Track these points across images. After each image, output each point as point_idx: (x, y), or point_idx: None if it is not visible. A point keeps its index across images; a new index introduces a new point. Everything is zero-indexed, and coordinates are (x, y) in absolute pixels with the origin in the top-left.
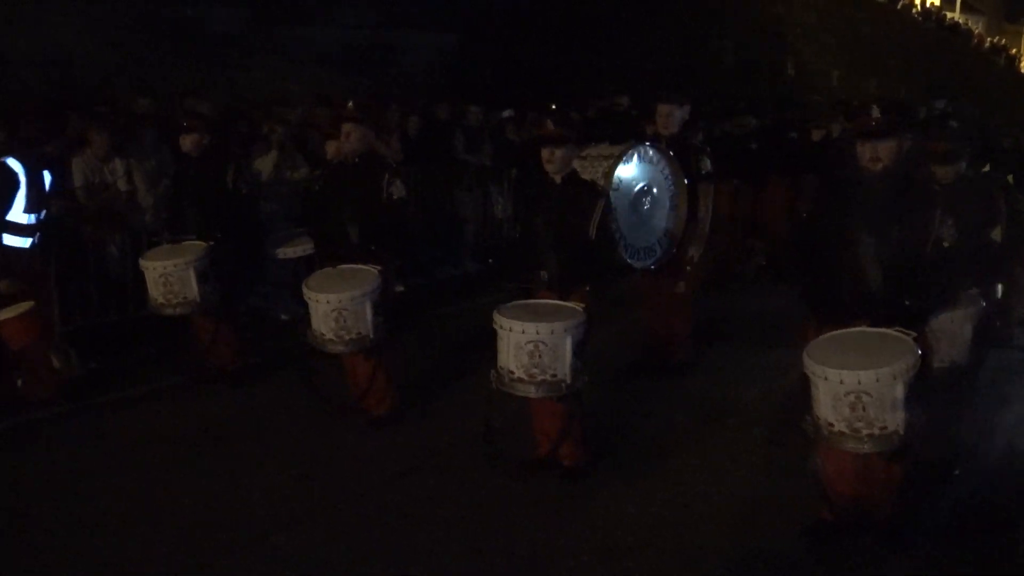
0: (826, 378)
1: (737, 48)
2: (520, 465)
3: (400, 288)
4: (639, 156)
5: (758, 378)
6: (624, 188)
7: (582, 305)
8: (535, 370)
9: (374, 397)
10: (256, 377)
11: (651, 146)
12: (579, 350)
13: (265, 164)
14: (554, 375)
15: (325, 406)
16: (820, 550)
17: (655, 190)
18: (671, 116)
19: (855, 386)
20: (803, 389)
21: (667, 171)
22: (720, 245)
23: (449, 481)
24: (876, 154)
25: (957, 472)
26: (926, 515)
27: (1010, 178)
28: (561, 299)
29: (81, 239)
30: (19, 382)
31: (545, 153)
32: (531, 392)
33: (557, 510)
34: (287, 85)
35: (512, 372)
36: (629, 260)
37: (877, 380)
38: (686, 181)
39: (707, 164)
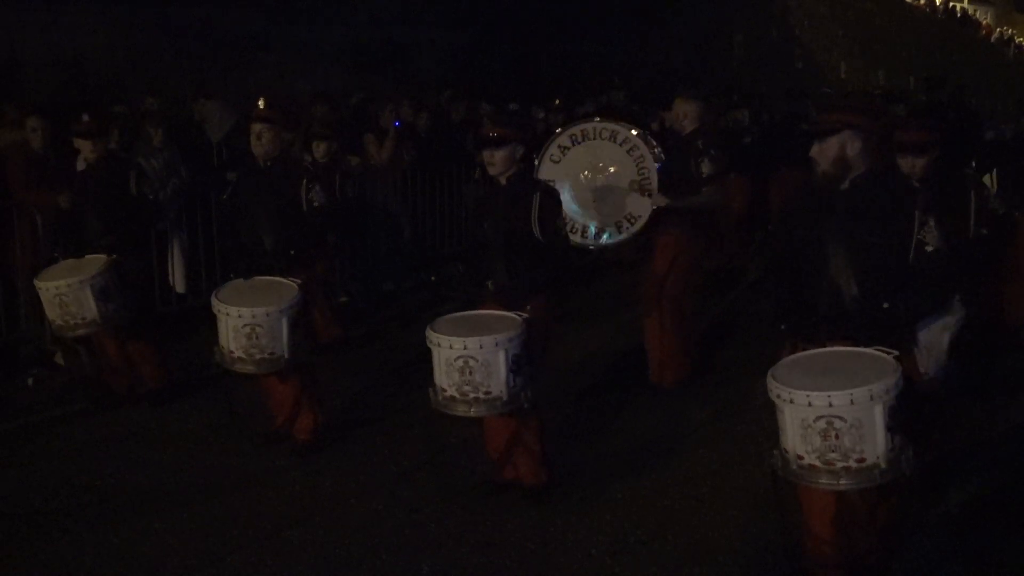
0: (792, 401)
1: (747, 41)
2: (480, 487)
3: (343, 299)
4: (594, 134)
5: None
6: (569, 161)
7: (524, 315)
8: (467, 388)
9: (299, 422)
10: (181, 393)
11: (612, 127)
12: (517, 365)
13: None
14: (488, 392)
15: (250, 436)
16: None
17: (611, 168)
18: (686, 112)
19: (826, 409)
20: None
21: (637, 153)
22: (726, 244)
23: (458, 477)
24: (817, 155)
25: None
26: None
27: (988, 177)
28: (509, 310)
29: None
30: (29, 381)
31: (485, 155)
32: (466, 412)
33: (567, 504)
34: (298, 84)
35: (445, 390)
36: (585, 240)
37: (852, 402)
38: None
39: (707, 167)
